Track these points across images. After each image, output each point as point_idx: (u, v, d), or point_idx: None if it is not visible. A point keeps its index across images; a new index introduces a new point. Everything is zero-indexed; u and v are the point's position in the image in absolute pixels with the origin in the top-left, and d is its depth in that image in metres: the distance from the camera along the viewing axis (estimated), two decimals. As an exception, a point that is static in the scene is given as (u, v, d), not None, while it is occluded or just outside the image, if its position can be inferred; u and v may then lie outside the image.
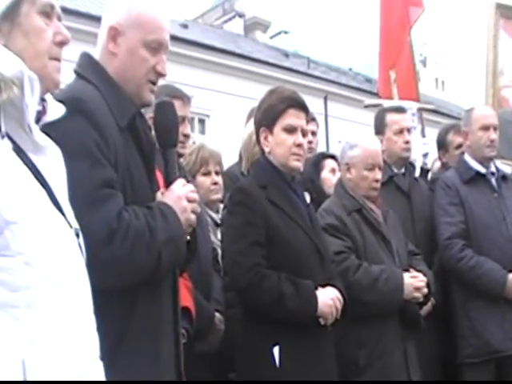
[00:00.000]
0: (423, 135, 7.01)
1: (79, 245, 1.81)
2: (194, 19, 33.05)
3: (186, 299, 3.27)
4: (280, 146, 3.39)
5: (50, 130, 1.88)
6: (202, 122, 19.82)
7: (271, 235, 3.23)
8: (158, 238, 2.23)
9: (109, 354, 1.82)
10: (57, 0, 1.94)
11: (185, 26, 22.91)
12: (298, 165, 3.43)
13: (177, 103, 3.63)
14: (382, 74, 7.33)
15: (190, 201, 2.40)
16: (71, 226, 1.79)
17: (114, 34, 2.45)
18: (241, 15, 33.06)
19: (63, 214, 1.76)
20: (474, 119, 4.88)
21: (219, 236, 4.05)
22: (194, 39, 20.25)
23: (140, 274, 2.23)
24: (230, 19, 32.84)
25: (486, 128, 4.81)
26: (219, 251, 3.95)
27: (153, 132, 2.59)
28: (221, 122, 18.99)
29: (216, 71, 19.92)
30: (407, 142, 4.90)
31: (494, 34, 6.57)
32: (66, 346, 1.64)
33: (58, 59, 1.90)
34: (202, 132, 19.80)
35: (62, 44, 1.91)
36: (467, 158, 4.90)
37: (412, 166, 5.12)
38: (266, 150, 3.45)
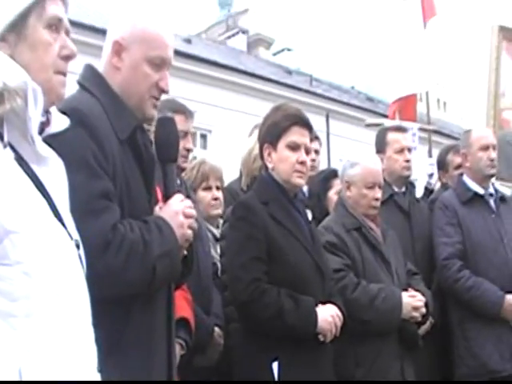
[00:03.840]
0: (430, 155, 7.05)
1: (79, 256, 1.80)
2: (198, 34, 33.20)
3: (185, 311, 3.27)
4: (283, 162, 3.40)
5: (52, 141, 1.89)
6: (203, 137, 19.84)
7: (272, 251, 3.24)
8: (152, 252, 2.24)
9: (99, 363, 1.82)
10: (66, 14, 1.95)
11: (188, 41, 23.01)
12: (301, 182, 3.45)
13: (179, 118, 3.66)
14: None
15: (187, 216, 2.41)
16: (72, 238, 1.78)
17: (118, 48, 2.47)
18: (244, 31, 33.21)
19: (64, 225, 1.76)
20: (472, 140, 4.91)
21: (219, 251, 4.06)
22: (197, 54, 20.31)
23: (133, 286, 2.24)
24: (233, 35, 32.98)
25: (485, 148, 4.85)
26: (219, 266, 3.96)
27: (153, 146, 2.59)
28: (223, 137, 19.00)
29: (218, 87, 19.96)
30: (408, 161, 4.93)
31: (497, 56, 6.60)
32: (63, 357, 1.63)
33: (63, 73, 1.90)
34: (204, 147, 19.81)
35: (68, 58, 1.91)
36: (466, 178, 4.92)
37: (412, 185, 5.13)
38: (270, 166, 3.46)
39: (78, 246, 1.80)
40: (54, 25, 1.88)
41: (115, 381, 1.87)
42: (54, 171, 1.86)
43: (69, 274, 1.71)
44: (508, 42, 6.65)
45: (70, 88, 2.31)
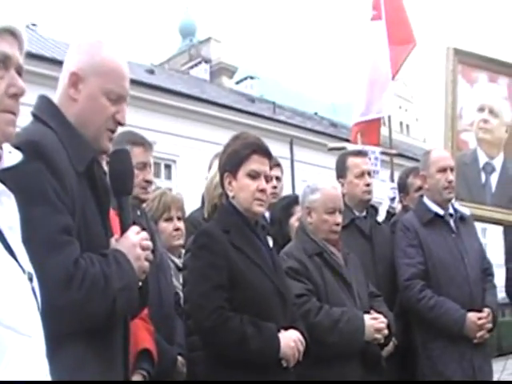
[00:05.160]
0: (392, 179, 7.10)
1: (33, 289, 1.79)
2: (160, 64, 33.36)
3: (147, 342, 3.27)
4: (243, 190, 3.42)
5: (6, 175, 1.87)
6: (168, 167, 19.79)
7: (234, 278, 3.24)
8: (113, 286, 2.23)
9: None
10: (21, 51, 1.93)
11: (151, 72, 23.10)
12: (261, 210, 3.47)
13: (138, 149, 3.67)
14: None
15: (143, 248, 2.41)
16: (24, 271, 1.76)
17: (76, 79, 2.45)
18: (207, 61, 33.42)
19: (16, 258, 1.74)
20: (431, 162, 4.97)
21: (181, 280, 4.06)
22: (160, 85, 20.38)
23: (95, 320, 2.23)
24: (196, 65, 33.17)
25: (443, 170, 4.90)
26: (181, 295, 3.96)
27: (108, 178, 2.57)
28: (187, 167, 18.97)
29: (182, 117, 19.99)
30: (368, 185, 4.97)
31: (453, 79, 6.68)
32: None
33: (10, 112, 1.86)
34: (169, 177, 19.78)
35: (15, 96, 1.86)
36: (426, 200, 4.98)
37: (374, 208, 5.17)
38: (230, 194, 3.47)
39: (30, 280, 1.79)
40: (1, 62, 1.85)
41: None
42: (5, 205, 1.83)
43: (20, 308, 1.69)
44: (463, 65, 6.75)
45: (25, 120, 2.31)
